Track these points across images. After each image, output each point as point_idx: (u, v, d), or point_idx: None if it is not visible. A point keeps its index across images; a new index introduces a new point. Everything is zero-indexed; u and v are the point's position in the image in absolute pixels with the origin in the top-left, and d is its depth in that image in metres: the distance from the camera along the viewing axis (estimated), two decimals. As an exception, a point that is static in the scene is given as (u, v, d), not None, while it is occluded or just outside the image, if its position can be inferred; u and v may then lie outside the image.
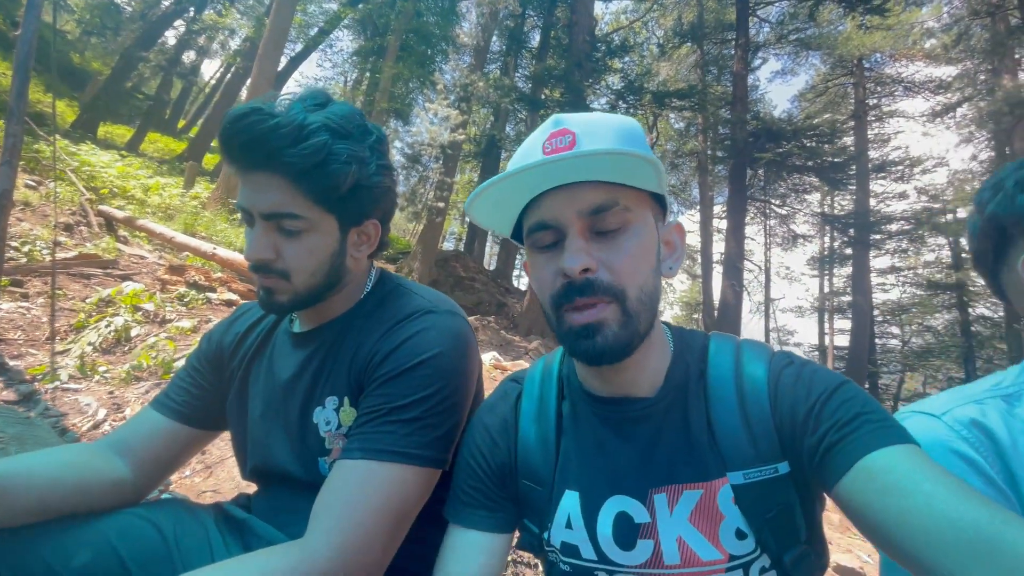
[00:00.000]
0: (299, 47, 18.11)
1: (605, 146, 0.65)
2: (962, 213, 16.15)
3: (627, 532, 0.70)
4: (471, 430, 0.85)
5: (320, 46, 18.63)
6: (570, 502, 0.73)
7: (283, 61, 14.01)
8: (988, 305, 15.93)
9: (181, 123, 22.39)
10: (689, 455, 0.70)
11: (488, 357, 5.58)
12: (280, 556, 0.68)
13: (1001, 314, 15.04)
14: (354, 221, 0.90)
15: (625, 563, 0.69)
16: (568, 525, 0.73)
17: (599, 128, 0.67)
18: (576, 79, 11.26)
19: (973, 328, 16.21)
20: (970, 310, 16.35)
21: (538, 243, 0.71)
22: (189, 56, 20.45)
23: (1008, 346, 13.71)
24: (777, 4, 15.23)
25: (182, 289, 4.55)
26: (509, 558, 1.91)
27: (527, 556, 1.93)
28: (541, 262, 0.71)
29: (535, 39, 15.33)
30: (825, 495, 0.69)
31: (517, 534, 0.82)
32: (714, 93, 14.90)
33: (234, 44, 19.48)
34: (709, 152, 16.67)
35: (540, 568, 1.86)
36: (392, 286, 0.99)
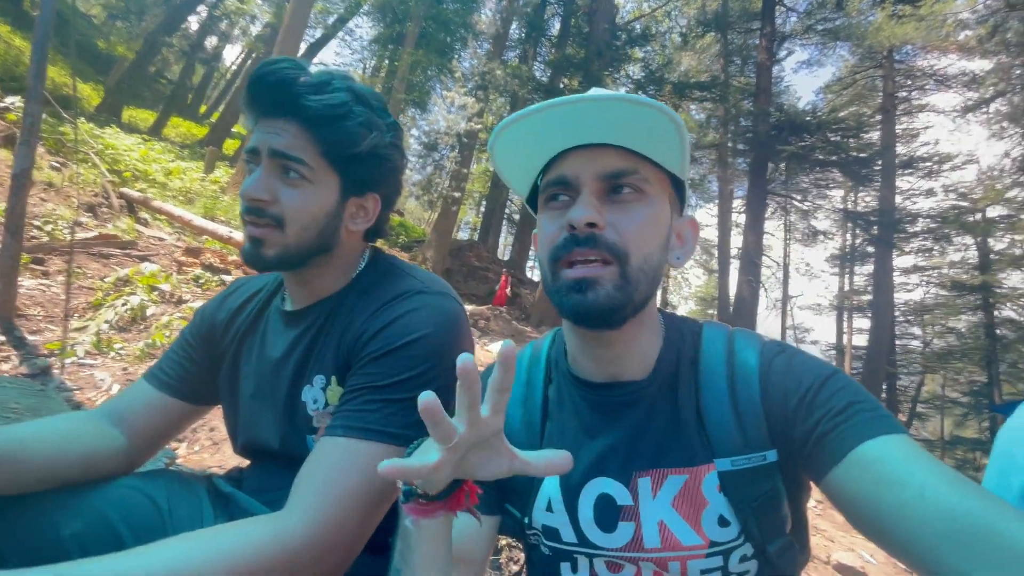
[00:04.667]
0: (319, 34, 18.15)
1: (637, 122, 0.62)
2: (991, 212, 15.64)
3: (609, 514, 0.69)
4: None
5: (339, 33, 18.65)
6: (551, 485, 0.73)
7: (302, 48, 14.04)
8: (1015, 308, 15.46)
9: (203, 108, 22.68)
10: (676, 440, 0.69)
11: (498, 346, 5.59)
12: (257, 527, 0.69)
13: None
14: (356, 190, 0.91)
15: (605, 545, 0.69)
16: (549, 508, 0.73)
17: (636, 106, 0.62)
18: (595, 68, 11.14)
19: (998, 331, 15.76)
20: (995, 312, 15.89)
21: (551, 198, 0.69)
22: (211, 41, 20.69)
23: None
24: (805, -8, 14.83)
25: (198, 271, 4.63)
26: (504, 542, 1.92)
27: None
28: (549, 218, 0.69)
29: (555, 27, 15.15)
30: (812, 484, 0.68)
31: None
32: (737, 84, 14.61)
33: (255, 30, 19.65)
34: (730, 145, 16.35)
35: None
36: (385, 266, 0.98)
